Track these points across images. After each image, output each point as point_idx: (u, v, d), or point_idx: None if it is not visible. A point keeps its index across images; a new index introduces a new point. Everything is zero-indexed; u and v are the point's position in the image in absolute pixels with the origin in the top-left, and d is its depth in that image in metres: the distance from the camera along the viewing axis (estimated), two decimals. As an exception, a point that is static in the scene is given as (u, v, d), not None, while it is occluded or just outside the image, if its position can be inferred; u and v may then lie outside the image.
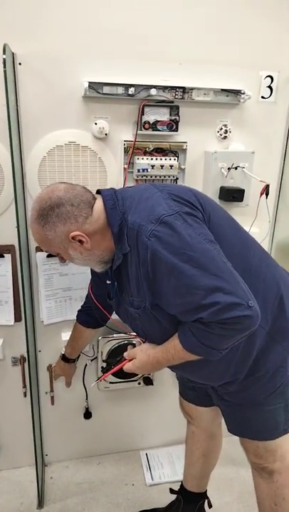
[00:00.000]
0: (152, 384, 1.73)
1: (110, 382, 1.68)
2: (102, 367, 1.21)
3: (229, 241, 1.03)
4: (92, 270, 1.24)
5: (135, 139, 1.41)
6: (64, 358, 1.52)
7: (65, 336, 1.59)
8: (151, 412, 1.87)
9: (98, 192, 1.09)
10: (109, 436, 1.86)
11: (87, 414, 1.77)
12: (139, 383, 1.72)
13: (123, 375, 1.66)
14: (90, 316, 1.39)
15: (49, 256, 1.48)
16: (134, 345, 1.18)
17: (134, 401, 1.82)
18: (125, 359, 1.16)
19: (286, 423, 1.15)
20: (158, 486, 1.71)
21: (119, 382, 1.68)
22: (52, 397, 1.69)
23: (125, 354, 1.16)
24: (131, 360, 1.14)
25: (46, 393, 1.69)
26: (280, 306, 1.06)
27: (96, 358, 1.65)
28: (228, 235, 1.05)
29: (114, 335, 1.60)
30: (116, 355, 1.60)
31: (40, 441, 1.75)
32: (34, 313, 1.56)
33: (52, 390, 1.68)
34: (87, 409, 1.76)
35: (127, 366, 1.13)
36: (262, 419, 1.15)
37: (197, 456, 1.48)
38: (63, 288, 1.55)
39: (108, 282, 1.14)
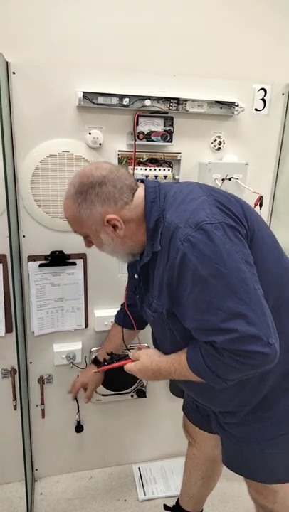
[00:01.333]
0: (145, 396, 1.70)
1: (102, 395, 1.65)
2: (104, 359, 1.16)
3: (269, 266, 0.94)
4: (128, 266, 1.18)
5: (134, 149, 1.40)
6: (95, 360, 1.43)
7: (57, 347, 1.57)
8: (143, 425, 1.84)
9: (142, 182, 1.03)
10: (101, 450, 1.82)
11: (79, 428, 1.73)
12: (132, 395, 1.69)
13: (115, 387, 1.65)
14: (127, 316, 1.29)
15: (41, 266, 1.47)
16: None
17: (127, 414, 1.79)
18: (129, 358, 1.11)
19: (286, 472, 1.07)
20: (150, 502, 1.68)
21: (112, 394, 1.65)
22: (43, 410, 1.66)
23: (130, 354, 1.11)
24: (134, 361, 1.08)
25: (37, 406, 1.65)
26: None
27: (88, 369, 1.62)
28: (269, 259, 0.96)
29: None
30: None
31: (30, 455, 1.71)
32: (25, 324, 1.54)
33: (43, 403, 1.64)
34: (78, 422, 1.72)
35: (129, 366, 1.07)
36: (258, 462, 1.08)
37: (196, 478, 1.43)
38: (55, 298, 1.53)
39: (136, 277, 1.08)
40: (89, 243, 1.06)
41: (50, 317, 1.54)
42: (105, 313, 1.57)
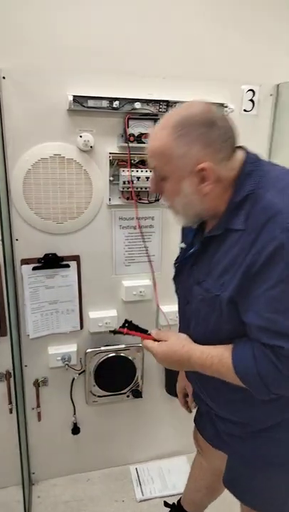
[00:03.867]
0: (141, 396, 1.71)
1: (98, 396, 1.65)
2: (126, 319, 1.00)
3: None
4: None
5: (129, 151, 1.41)
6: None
7: (52, 349, 1.57)
8: (140, 426, 1.84)
9: (240, 147, 0.89)
10: (98, 451, 1.82)
11: (75, 430, 1.73)
12: (128, 396, 1.70)
13: (112, 389, 1.66)
14: None
15: (35, 269, 1.47)
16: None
17: (123, 414, 1.79)
18: (150, 334, 0.98)
19: (284, 505, 0.97)
20: (148, 502, 1.68)
21: (107, 395, 1.66)
22: (39, 413, 1.66)
23: (153, 331, 0.98)
24: (157, 341, 0.95)
25: (33, 409, 1.65)
26: None
27: (84, 371, 1.62)
28: None
29: (102, 348, 1.58)
30: (105, 369, 1.59)
31: (27, 458, 1.71)
32: (20, 327, 1.54)
33: (39, 406, 1.65)
34: (75, 424, 1.73)
35: (152, 345, 0.94)
36: (257, 486, 0.98)
37: (200, 486, 1.39)
38: (49, 301, 1.53)
39: (183, 246, 0.96)
40: (158, 188, 0.88)
41: (44, 320, 1.54)
42: (100, 314, 1.57)
